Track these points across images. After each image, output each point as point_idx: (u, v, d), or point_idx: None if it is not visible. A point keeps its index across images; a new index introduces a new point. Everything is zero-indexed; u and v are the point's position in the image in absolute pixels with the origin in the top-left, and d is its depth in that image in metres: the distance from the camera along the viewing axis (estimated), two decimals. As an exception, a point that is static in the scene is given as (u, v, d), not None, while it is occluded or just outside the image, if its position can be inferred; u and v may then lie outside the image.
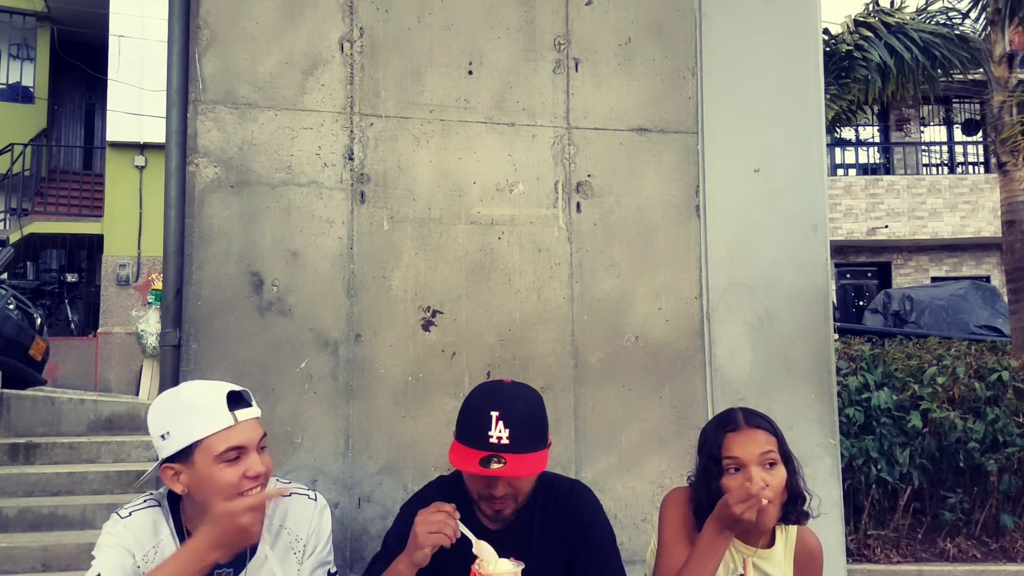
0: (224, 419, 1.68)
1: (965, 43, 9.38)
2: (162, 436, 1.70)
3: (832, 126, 10.36)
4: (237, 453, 1.68)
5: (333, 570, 1.88)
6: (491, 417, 1.82)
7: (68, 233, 14.05)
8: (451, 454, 1.86)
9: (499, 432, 1.81)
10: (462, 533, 1.79)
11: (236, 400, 1.72)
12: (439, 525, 1.74)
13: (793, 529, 2.00)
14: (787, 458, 1.91)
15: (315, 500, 1.89)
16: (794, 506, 1.92)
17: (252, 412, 1.74)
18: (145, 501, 1.80)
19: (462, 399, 2.04)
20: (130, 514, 1.77)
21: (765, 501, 1.79)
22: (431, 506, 1.79)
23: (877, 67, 9.17)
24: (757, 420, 1.93)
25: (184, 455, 1.68)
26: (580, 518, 1.98)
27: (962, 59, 9.33)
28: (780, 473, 1.88)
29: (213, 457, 1.67)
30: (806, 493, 1.95)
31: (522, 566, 1.77)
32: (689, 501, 1.98)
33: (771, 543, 1.98)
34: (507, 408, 1.84)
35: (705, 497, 1.91)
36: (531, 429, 1.86)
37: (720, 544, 1.84)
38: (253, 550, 1.79)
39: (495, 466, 1.79)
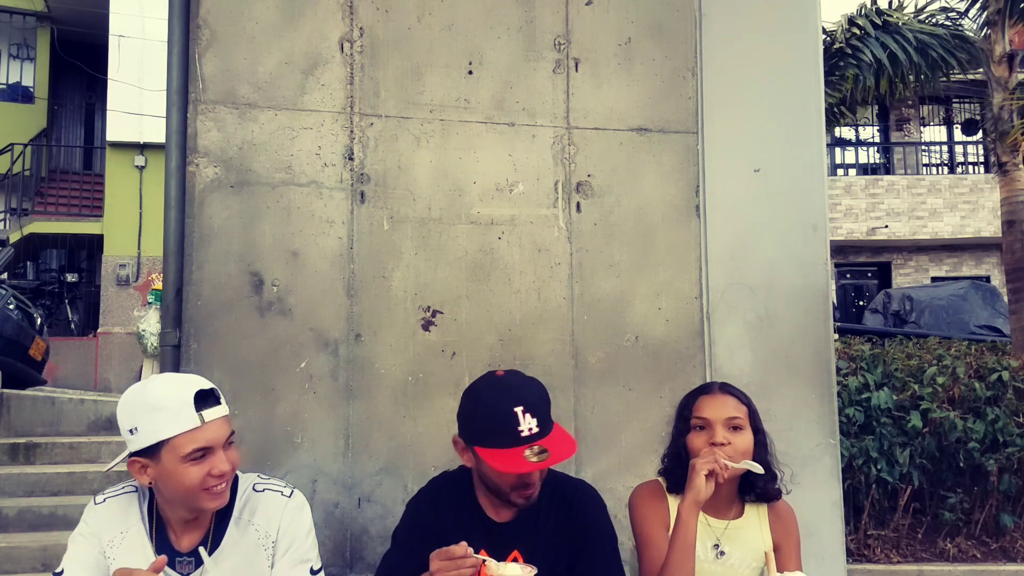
0: (190, 420, 1.69)
1: (964, 43, 9.38)
2: (130, 431, 1.72)
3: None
4: (203, 453, 1.70)
5: (316, 567, 1.85)
6: (516, 413, 1.83)
7: (68, 233, 14.05)
8: (490, 461, 1.83)
9: (529, 424, 1.83)
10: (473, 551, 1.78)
11: (204, 399, 1.72)
12: (449, 566, 1.72)
13: None
14: (756, 430, 2.02)
15: (290, 497, 1.87)
16: (768, 483, 2.03)
17: (219, 411, 1.74)
18: (123, 488, 1.85)
19: (462, 399, 2.04)
20: (104, 500, 1.83)
21: (721, 454, 1.90)
22: (442, 552, 1.75)
23: (869, 65, 9.19)
24: (730, 388, 2.06)
25: (151, 451, 1.70)
26: (585, 517, 1.99)
27: (961, 59, 9.33)
28: (746, 437, 1.99)
29: (179, 457, 1.68)
30: (776, 471, 2.04)
31: (534, 571, 1.76)
32: (654, 493, 2.08)
33: (741, 513, 2.07)
34: (525, 399, 1.87)
35: (672, 450, 2.05)
36: (547, 409, 1.91)
37: (693, 517, 1.90)
38: (217, 542, 1.80)
39: (543, 456, 1.81)
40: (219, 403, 1.75)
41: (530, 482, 1.88)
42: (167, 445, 1.69)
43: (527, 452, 1.81)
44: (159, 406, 1.70)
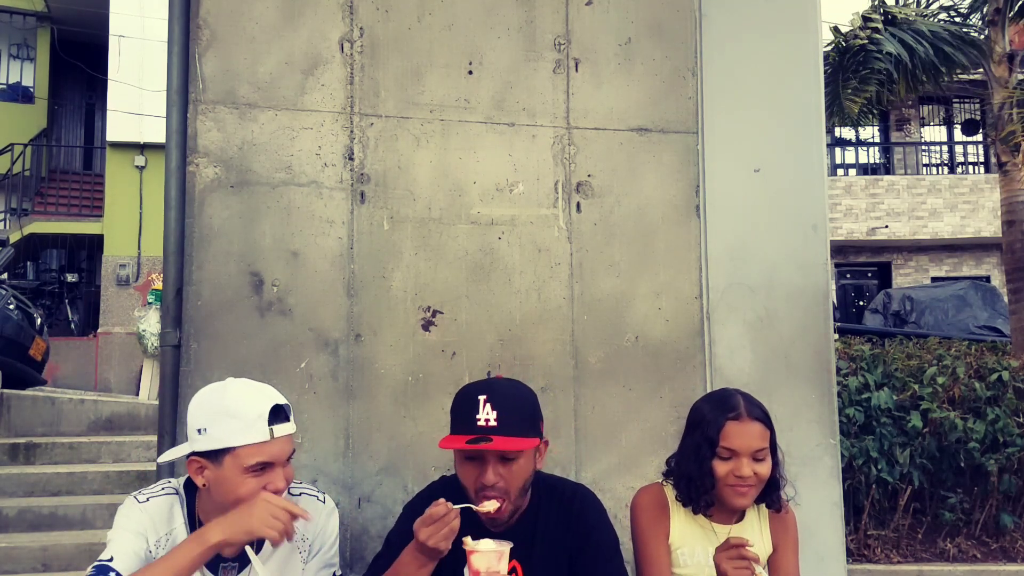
0: (261, 433, 1.71)
1: (969, 43, 9.40)
2: (199, 430, 1.73)
3: (856, 122, 10.43)
4: (264, 467, 1.72)
5: (338, 572, 1.90)
6: (479, 400, 1.85)
7: (68, 233, 14.04)
8: (443, 442, 1.89)
9: (487, 414, 1.83)
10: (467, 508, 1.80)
11: (276, 413, 1.75)
12: (441, 530, 1.75)
13: None
14: (774, 448, 2.00)
15: (324, 503, 1.93)
16: (775, 491, 2.03)
17: (288, 428, 1.78)
18: (163, 488, 1.84)
19: (462, 399, 2.05)
20: (148, 499, 1.80)
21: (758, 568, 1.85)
22: (425, 519, 1.78)
23: (891, 58, 9.18)
24: (756, 411, 1.99)
25: (215, 455, 1.72)
26: (583, 522, 1.98)
27: (970, 57, 9.34)
28: (767, 465, 1.98)
29: (241, 467, 1.70)
30: (782, 479, 2.05)
31: (509, 545, 1.77)
32: (656, 503, 2.05)
33: (743, 516, 2.08)
34: (494, 392, 1.87)
35: (696, 473, 1.98)
36: (520, 415, 1.88)
37: None
38: (259, 546, 1.81)
39: (480, 440, 1.81)
40: (288, 420, 1.78)
41: (485, 483, 1.84)
42: (232, 453, 1.70)
43: (473, 438, 1.82)
44: (235, 413, 1.72)
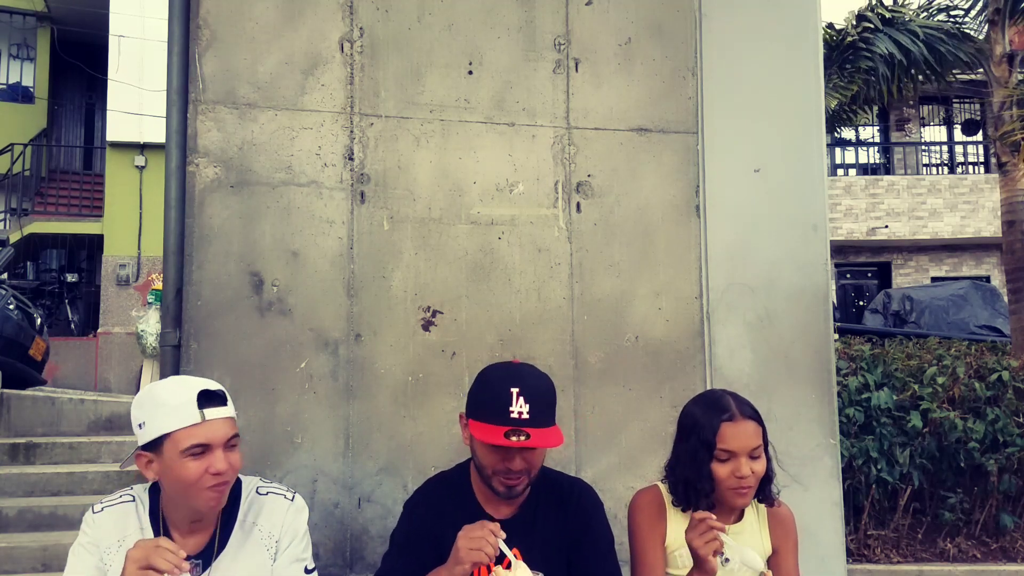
0: (192, 416, 1.75)
1: (968, 41, 9.40)
2: (139, 426, 1.79)
3: (833, 117, 10.42)
4: (202, 449, 1.75)
5: (310, 566, 1.92)
6: (511, 393, 1.86)
7: (68, 233, 14.04)
8: (472, 430, 1.89)
9: (520, 407, 1.85)
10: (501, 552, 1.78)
11: (208, 398, 1.78)
12: (480, 542, 1.74)
13: None
14: (766, 445, 2.02)
15: (292, 500, 1.94)
16: (768, 485, 2.04)
17: (223, 411, 1.80)
18: (121, 496, 1.89)
19: (462, 399, 2.05)
20: (102, 509, 1.87)
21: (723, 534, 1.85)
22: (476, 524, 1.79)
23: (882, 58, 9.21)
24: (747, 410, 2.01)
25: (156, 445, 1.77)
26: (582, 513, 2.01)
27: (969, 55, 9.35)
28: (763, 462, 1.99)
29: (179, 451, 1.74)
30: (773, 474, 2.05)
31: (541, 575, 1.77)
32: (653, 505, 2.04)
33: (741, 517, 2.07)
34: (526, 384, 1.88)
35: (694, 477, 1.97)
36: (548, 406, 1.92)
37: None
38: (223, 544, 1.85)
39: (520, 439, 1.83)
40: (224, 404, 1.81)
41: (512, 469, 1.88)
42: (169, 439, 1.75)
43: (509, 431, 1.83)
44: (165, 402, 1.77)
